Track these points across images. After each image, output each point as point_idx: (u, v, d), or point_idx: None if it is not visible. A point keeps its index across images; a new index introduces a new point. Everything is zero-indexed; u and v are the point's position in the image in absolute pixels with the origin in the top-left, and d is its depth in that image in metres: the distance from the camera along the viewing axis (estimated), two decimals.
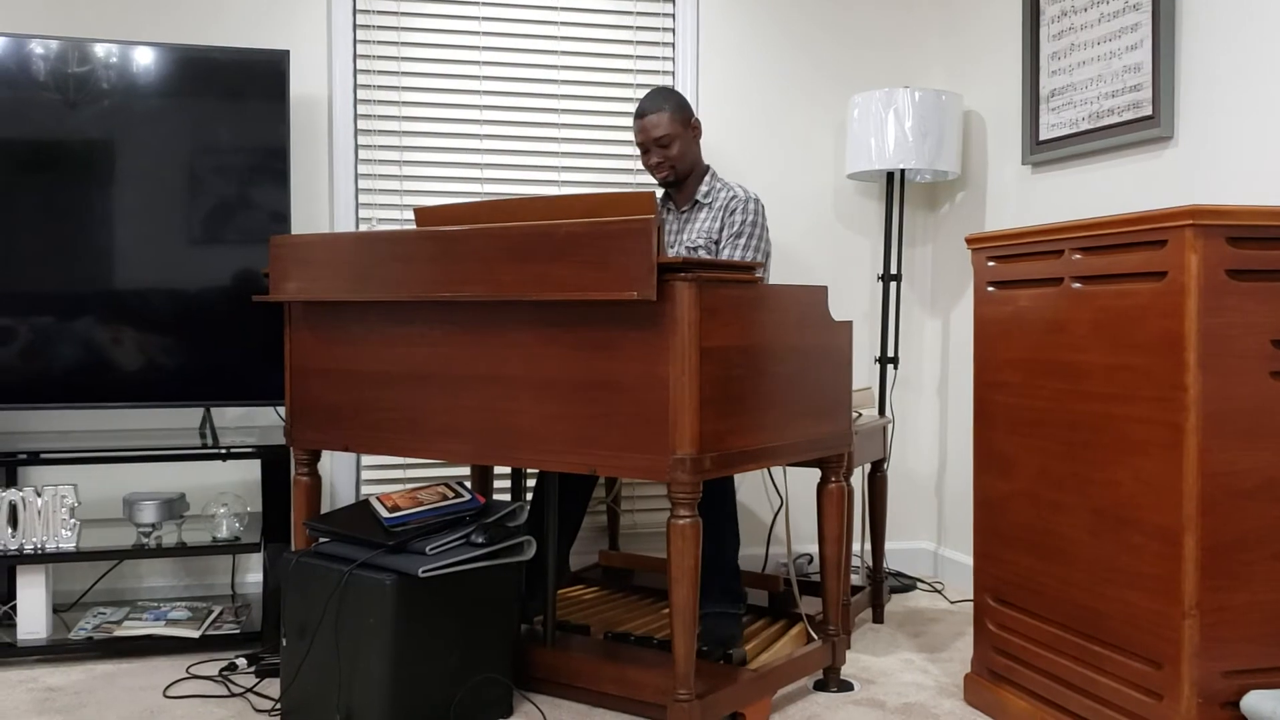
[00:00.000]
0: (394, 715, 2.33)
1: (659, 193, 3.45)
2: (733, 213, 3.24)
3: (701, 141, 3.38)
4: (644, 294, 2.19)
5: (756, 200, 3.27)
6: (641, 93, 3.81)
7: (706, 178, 3.33)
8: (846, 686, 2.78)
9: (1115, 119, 3.08)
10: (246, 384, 3.24)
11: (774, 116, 3.95)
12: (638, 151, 3.49)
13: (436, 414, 2.55)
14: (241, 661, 2.84)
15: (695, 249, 3.26)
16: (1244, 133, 2.69)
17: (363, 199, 3.63)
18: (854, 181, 3.98)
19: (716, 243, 3.25)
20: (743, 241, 3.21)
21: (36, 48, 3.08)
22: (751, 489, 3.94)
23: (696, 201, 3.32)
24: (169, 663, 2.93)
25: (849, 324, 2.74)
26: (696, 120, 3.34)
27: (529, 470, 3.28)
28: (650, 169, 3.32)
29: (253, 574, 3.53)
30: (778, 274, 3.78)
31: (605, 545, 3.77)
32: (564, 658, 2.65)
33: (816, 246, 3.95)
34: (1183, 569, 2.00)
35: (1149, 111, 2.95)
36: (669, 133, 3.25)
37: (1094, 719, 2.23)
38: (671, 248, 3.34)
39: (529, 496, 3.29)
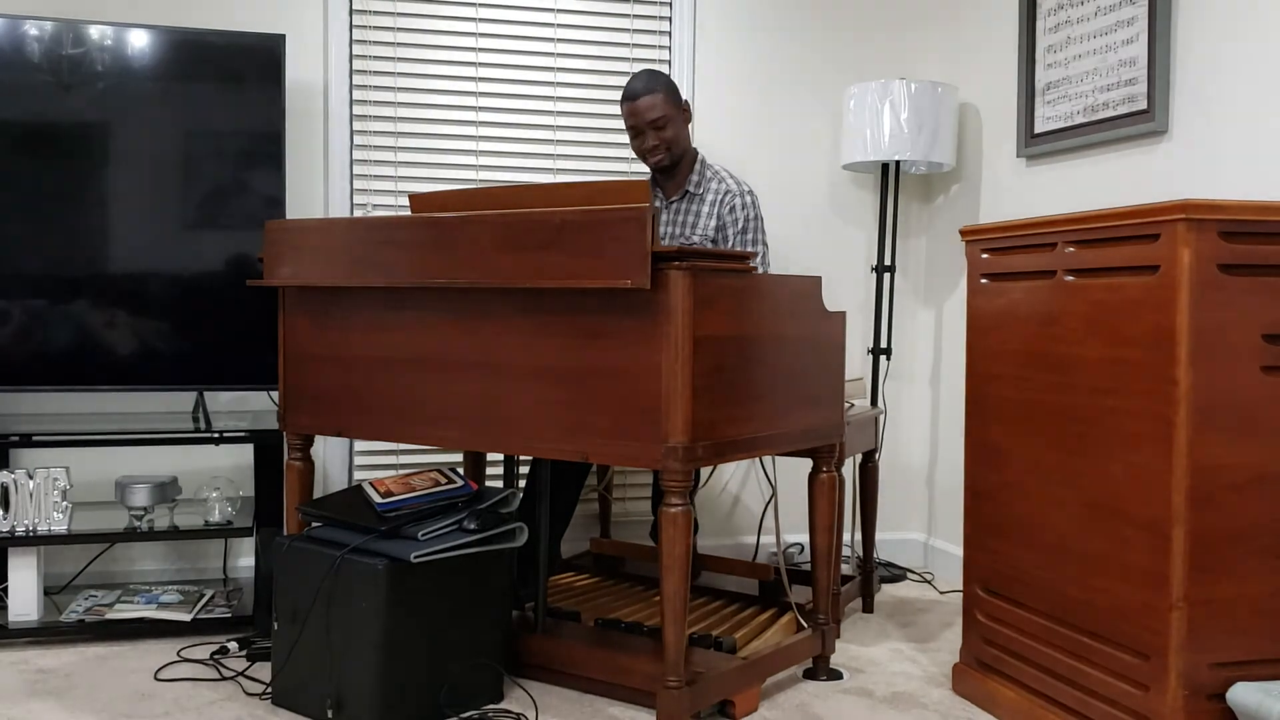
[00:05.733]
0: (385, 700, 2.34)
1: (648, 178, 3.43)
2: (731, 209, 3.23)
3: (698, 132, 3.37)
4: (638, 282, 2.19)
5: (751, 193, 3.27)
6: None
7: (696, 166, 3.31)
8: (835, 675, 2.79)
9: (1110, 113, 3.08)
10: (240, 368, 3.23)
11: (770, 107, 3.95)
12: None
13: (430, 400, 2.56)
14: (233, 645, 2.85)
15: (690, 244, 3.25)
16: (1238, 127, 2.70)
17: (358, 185, 3.63)
18: (849, 172, 3.98)
19: (715, 242, 3.25)
20: (749, 237, 3.23)
21: (30, 29, 3.06)
22: (743, 479, 3.96)
23: (687, 192, 3.30)
24: (160, 646, 2.93)
25: (842, 314, 2.75)
26: (687, 103, 3.31)
27: (521, 457, 3.28)
28: (644, 153, 3.27)
29: (245, 558, 3.53)
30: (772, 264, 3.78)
31: (596, 533, 3.78)
32: (555, 644, 2.66)
33: (811, 237, 3.96)
34: (1171, 561, 2.01)
35: (1144, 105, 2.96)
36: (664, 114, 3.20)
37: (1081, 709, 2.24)
38: (663, 240, 3.32)
39: (521, 484, 3.30)
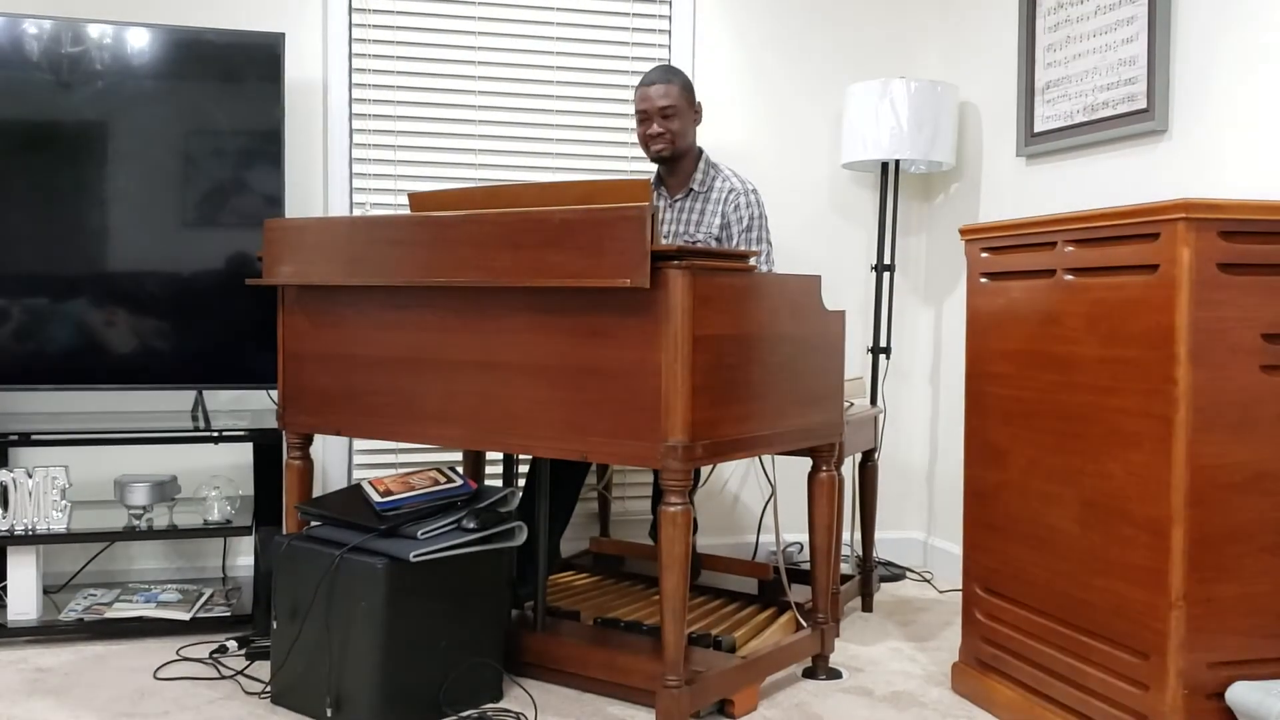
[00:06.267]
0: (384, 699, 2.34)
1: (652, 176, 3.43)
2: (736, 207, 3.25)
3: (698, 132, 3.37)
4: (637, 281, 2.19)
5: (756, 191, 3.29)
6: (638, 79, 3.80)
7: (701, 164, 3.32)
8: (835, 674, 2.79)
9: (1110, 112, 3.08)
10: (239, 367, 3.23)
11: (770, 106, 3.94)
12: (633, 139, 3.49)
13: (429, 399, 2.56)
14: (232, 644, 2.85)
15: (695, 243, 3.25)
16: (1238, 127, 2.70)
17: (357, 183, 3.63)
18: (849, 171, 3.98)
19: (720, 240, 3.26)
20: (754, 235, 3.25)
21: (30, 27, 3.06)
22: (742, 478, 3.96)
23: (691, 190, 3.31)
24: (159, 645, 2.93)
25: (842, 313, 2.75)
26: (699, 105, 3.35)
27: (521, 456, 3.28)
28: (647, 139, 3.28)
29: (244, 557, 3.53)
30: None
31: (596, 532, 3.78)
32: (554, 643, 2.66)
33: (811, 236, 3.95)
34: (1170, 561, 2.01)
35: (1144, 104, 2.96)
36: (674, 105, 3.24)
37: (1081, 709, 2.24)
38: (667, 238, 3.33)
39: (521, 483, 3.30)
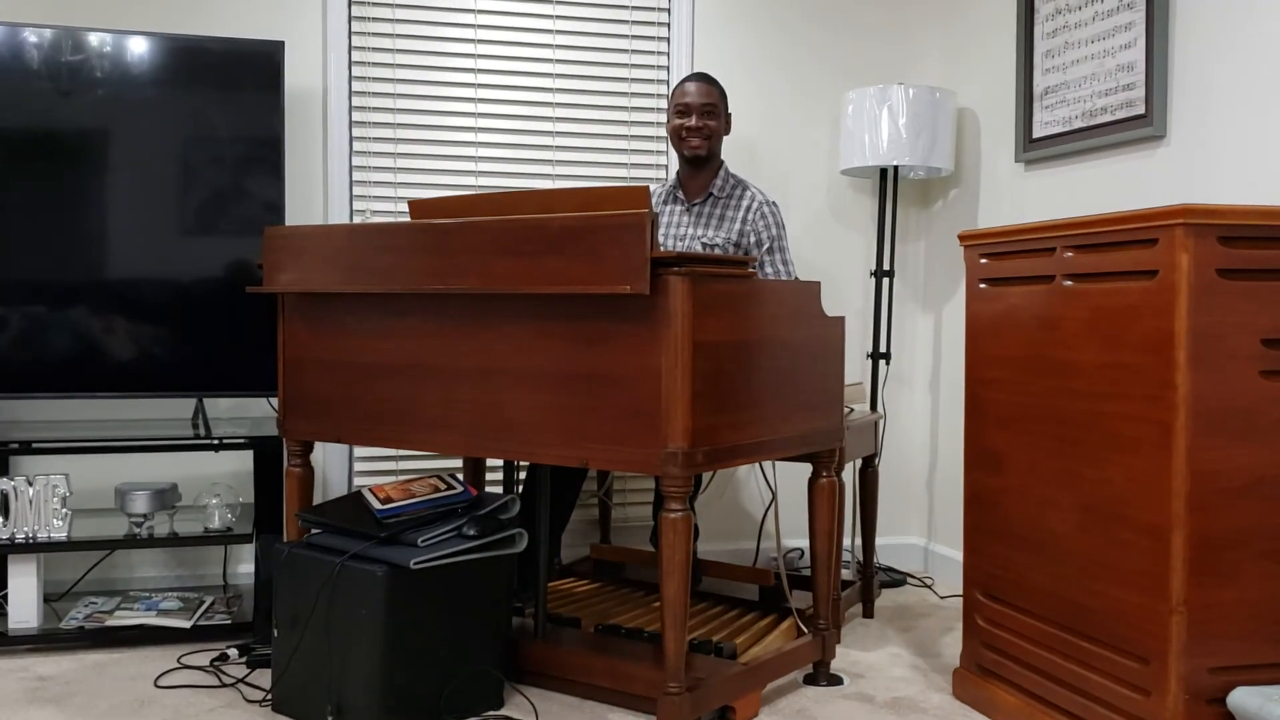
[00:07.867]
0: (385, 706, 2.34)
1: (669, 181, 3.47)
2: (763, 216, 3.29)
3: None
4: (637, 288, 2.19)
5: (777, 205, 3.37)
6: (637, 87, 3.83)
7: (722, 173, 3.37)
8: (836, 680, 2.79)
9: (1108, 117, 3.09)
10: (239, 375, 3.23)
11: (769, 112, 3.95)
12: (634, 147, 3.51)
13: (429, 406, 2.56)
14: (233, 652, 2.85)
15: (713, 248, 3.28)
16: (1236, 132, 2.70)
17: (357, 191, 3.63)
18: (848, 177, 3.99)
19: (738, 246, 3.29)
20: (781, 245, 3.32)
21: (30, 36, 3.07)
22: (742, 484, 3.95)
23: (710, 195, 3.34)
24: (160, 653, 2.93)
25: (841, 319, 2.75)
26: (730, 115, 3.43)
27: (520, 463, 3.28)
28: (685, 132, 3.32)
29: (244, 565, 3.53)
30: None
31: (596, 538, 3.78)
32: (555, 650, 2.66)
33: (810, 242, 3.96)
34: (1171, 566, 2.01)
35: (1142, 110, 2.96)
36: (716, 105, 3.33)
37: (1082, 714, 2.24)
38: (682, 240, 3.35)
39: (519, 489, 3.30)
